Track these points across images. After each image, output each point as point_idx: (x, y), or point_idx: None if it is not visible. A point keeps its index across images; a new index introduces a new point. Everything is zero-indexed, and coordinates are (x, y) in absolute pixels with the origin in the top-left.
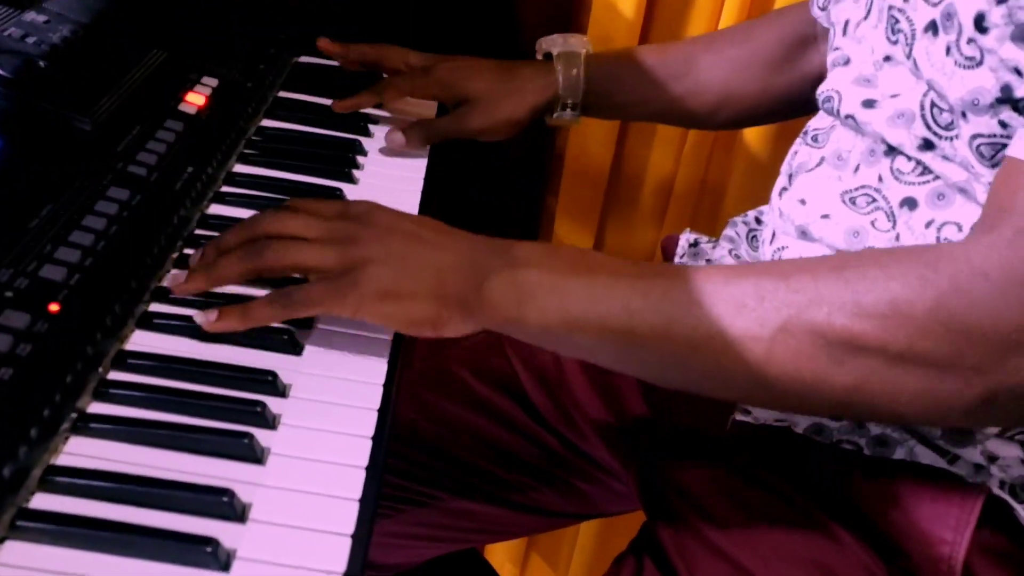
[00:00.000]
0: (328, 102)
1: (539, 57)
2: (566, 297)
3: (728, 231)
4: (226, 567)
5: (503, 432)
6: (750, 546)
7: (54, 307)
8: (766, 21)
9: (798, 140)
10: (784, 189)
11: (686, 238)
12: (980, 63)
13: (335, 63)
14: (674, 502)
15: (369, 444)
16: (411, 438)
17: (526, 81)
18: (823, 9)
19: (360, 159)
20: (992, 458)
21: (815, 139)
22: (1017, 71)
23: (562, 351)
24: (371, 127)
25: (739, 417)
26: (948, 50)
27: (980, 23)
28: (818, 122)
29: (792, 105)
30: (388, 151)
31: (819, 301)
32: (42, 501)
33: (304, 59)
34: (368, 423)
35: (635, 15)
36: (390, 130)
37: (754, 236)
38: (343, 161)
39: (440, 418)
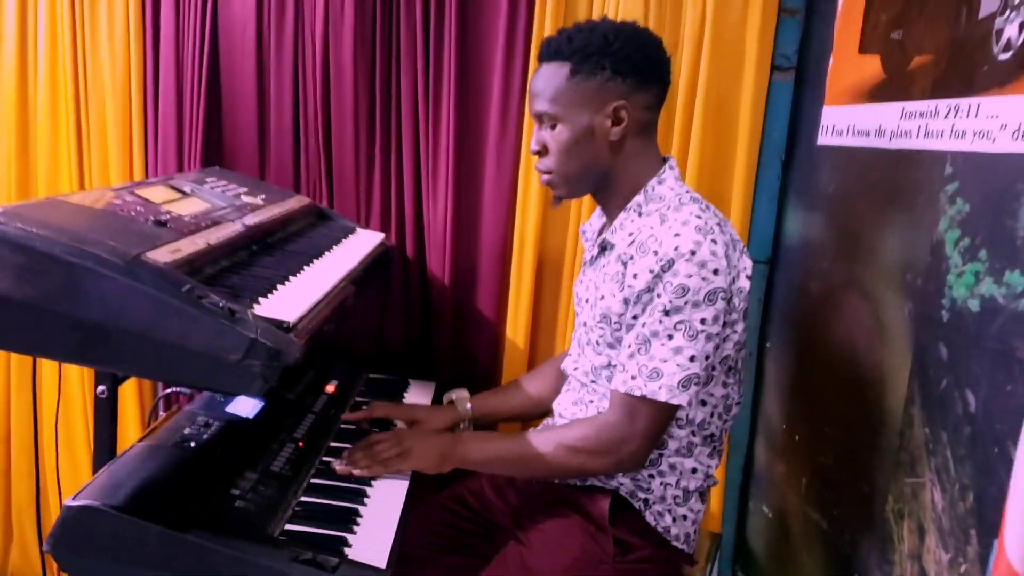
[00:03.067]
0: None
1: (445, 403)
2: (473, 453)
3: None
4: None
5: (462, 522)
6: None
7: (301, 444)
8: (553, 360)
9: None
10: (558, 402)
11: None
12: (600, 354)
13: (384, 376)
14: (519, 522)
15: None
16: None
17: (442, 416)
18: None
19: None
20: (620, 483)
21: (568, 381)
22: (610, 356)
23: (482, 470)
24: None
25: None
26: (595, 347)
27: (599, 342)
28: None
29: None
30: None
31: (562, 437)
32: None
33: (372, 375)
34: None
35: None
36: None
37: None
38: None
39: (432, 517)
